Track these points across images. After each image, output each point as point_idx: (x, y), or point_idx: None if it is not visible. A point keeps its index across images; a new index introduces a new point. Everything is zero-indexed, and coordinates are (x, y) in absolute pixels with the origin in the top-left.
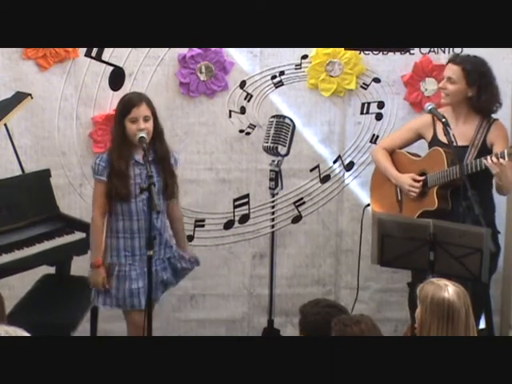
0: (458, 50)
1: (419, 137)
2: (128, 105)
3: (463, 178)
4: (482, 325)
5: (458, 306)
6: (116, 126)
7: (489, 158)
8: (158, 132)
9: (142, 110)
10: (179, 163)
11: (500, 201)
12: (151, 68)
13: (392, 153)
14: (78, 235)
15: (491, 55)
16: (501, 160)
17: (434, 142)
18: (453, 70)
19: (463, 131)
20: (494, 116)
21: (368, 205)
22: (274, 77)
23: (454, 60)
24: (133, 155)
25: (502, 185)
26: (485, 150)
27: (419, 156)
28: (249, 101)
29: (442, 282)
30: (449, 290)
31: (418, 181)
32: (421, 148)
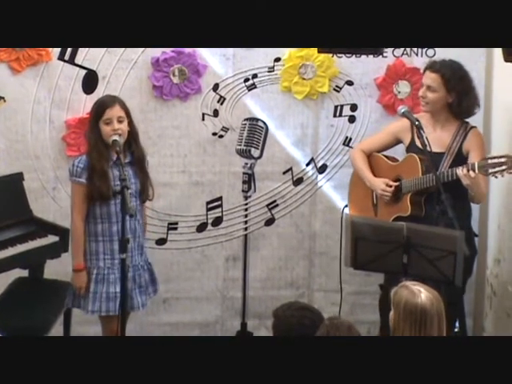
0: (430, 52)
1: (398, 141)
2: (101, 107)
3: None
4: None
5: (431, 313)
6: (91, 129)
7: (460, 168)
8: (133, 133)
9: (116, 111)
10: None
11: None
12: (124, 71)
13: (370, 156)
14: (51, 239)
15: (464, 59)
16: (470, 172)
17: (412, 147)
18: (432, 79)
19: (440, 137)
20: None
21: (346, 206)
22: (246, 80)
23: (431, 67)
24: (111, 156)
25: (473, 195)
26: (460, 158)
27: (397, 160)
28: (222, 104)
29: (416, 287)
30: (422, 296)
31: (391, 186)
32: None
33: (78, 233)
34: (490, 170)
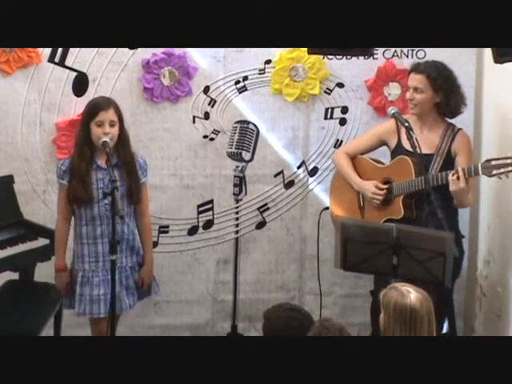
0: (420, 54)
1: (382, 143)
2: (95, 108)
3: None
4: (446, 329)
5: (420, 313)
6: (81, 128)
7: (450, 173)
8: (123, 138)
9: (109, 115)
10: (144, 170)
11: None
12: (115, 73)
13: (354, 158)
14: (42, 241)
15: (454, 60)
16: (461, 179)
17: (399, 149)
18: (418, 80)
19: (428, 139)
20: (458, 124)
21: (326, 208)
22: (237, 82)
23: (416, 69)
24: (95, 159)
25: (457, 202)
26: (450, 159)
27: (382, 163)
28: (212, 106)
29: (405, 288)
30: (411, 296)
31: (382, 189)
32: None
33: (59, 233)
34: (495, 172)
